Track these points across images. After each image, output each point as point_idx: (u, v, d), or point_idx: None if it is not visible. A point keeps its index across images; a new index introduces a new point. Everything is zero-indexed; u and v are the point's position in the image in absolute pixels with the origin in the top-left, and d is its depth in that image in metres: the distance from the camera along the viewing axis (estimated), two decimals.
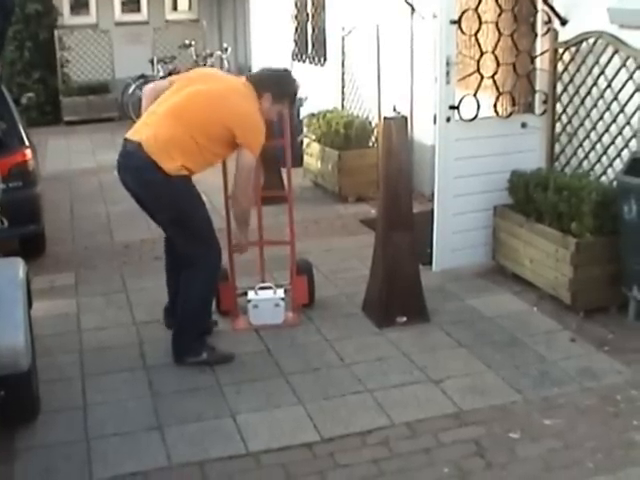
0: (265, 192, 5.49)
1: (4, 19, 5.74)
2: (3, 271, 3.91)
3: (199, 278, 4.45)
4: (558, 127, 5.83)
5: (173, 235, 4.52)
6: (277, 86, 4.54)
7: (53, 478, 3.52)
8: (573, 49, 5.62)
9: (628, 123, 5.21)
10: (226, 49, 13.04)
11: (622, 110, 5.25)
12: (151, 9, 14.89)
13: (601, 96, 5.44)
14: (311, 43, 10.61)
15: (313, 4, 10.47)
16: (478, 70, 5.65)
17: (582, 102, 5.61)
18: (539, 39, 5.90)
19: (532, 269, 5.34)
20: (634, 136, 5.17)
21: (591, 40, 5.44)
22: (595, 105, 5.50)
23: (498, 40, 5.71)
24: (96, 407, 4.09)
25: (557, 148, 5.85)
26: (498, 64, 5.75)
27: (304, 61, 10.65)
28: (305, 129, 8.83)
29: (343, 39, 8.94)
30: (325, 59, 10.01)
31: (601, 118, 5.46)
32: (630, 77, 5.16)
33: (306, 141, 8.74)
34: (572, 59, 5.65)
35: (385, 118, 4.99)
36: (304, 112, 9.24)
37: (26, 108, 9.64)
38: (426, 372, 4.35)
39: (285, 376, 4.35)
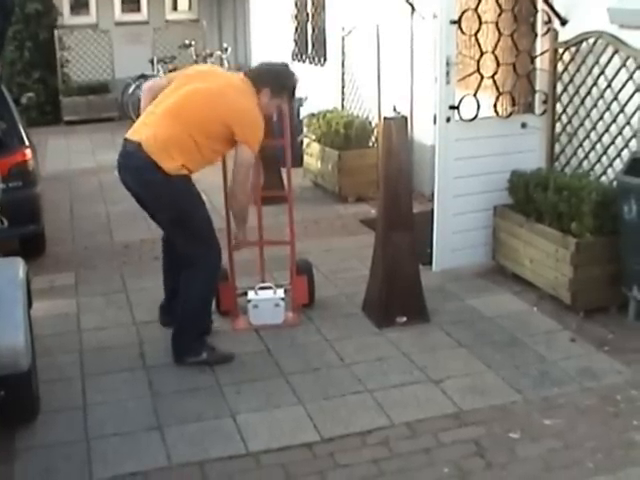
0: (265, 192, 5.49)
1: (4, 19, 5.74)
2: (3, 271, 3.91)
3: (199, 278, 4.45)
4: (558, 127, 5.83)
5: (173, 235, 4.53)
6: (275, 80, 4.53)
7: (53, 478, 3.52)
8: (573, 49, 5.62)
9: (628, 123, 5.21)
10: (226, 49, 13.04)
11: (622, 110, 5.25)
12: (151, 9, 14.89)
13: (601, 96, 5.44)
14: (311, 43, 10.61)
15: (313, 4, 10.47)
16: (478, 70, 5.65)
17: (582, 102, 5.61)
18: (539, 39, 5.90)
19: (532, 269, 5.34)
20: (634, 136, 5.17)
21: (591, 40, 5.44)
22: (595, 105, 5.50)
23: (498, 40, 5.71)
24: (96, 407, 4.09)
25: (557, 148, 5.85)
26: (498, 64, 5.75)
27: (304, 61, 10.64)
28: (305, 129, 8.83)
29: (343, 39, 8.94)
30: (325, 59, 10.01)
31: (601, 118, 5.46)
32: (630, 77, 5.17)
33: (306, 141, 8.74)
34: (572, 59, 5.65)
35: (385, 118, 4.99)
36: (304, 112, 9.25)
37: (26, 108, 9.64)
38: (426, 372, 4.35)
39: (285, 376, 4.35)
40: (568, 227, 5.01)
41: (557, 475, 3.44)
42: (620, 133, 5.29)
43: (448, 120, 5.44)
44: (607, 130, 5.42)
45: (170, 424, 3.90)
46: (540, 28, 5.87)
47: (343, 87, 9.10)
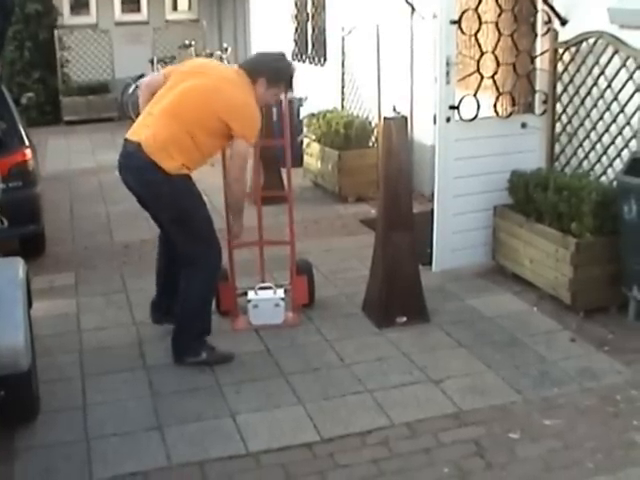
0: (265, 192, 5.49)
1: (4, 19, 5.74)
2: (3, 271, 3.91)
3: (199, 277, 4.46)
4: (558, 127, 5.83)
5: (174, 234, 4.53)
6: (271, 70, 4.51)
7: (53, 478, 3.52)
8: (573, 49, 5.62)
9: (628, 123, 5.21)
10: (226, 49, 13.02)
11: (622, 110, 5.25)
12: (151, 9, 14.89)
13: (601, 96, 5.44)
14: (311, 43, 10.61)
15: (313, 4, 10.47)
16: (478, 70, 5.65)
17: (582, 102, 5.61)
18: (539, 39, 5.90)
19: (532, 269, 5.34)
20: (634, 136, 5.17)
21: (591, 40, 5.44)
22: (595, 105, 5.50)
23: (498, 40, 5.71)
24: (96, 407, 4.09)
25: (557, 148, 5.85)
26: (498, 64, 5.75)
27: (304, 61, 10.64)
28: (305, 129, 8.83)
29: (343, 39, 8.94)
30: (325, 59, 10.01)
31: (601, 118, 5.46)
32: (630, 77, 5.16)
33: (306, 141, 8.74)
34: (572, 59, 5.65)
35: (385, 118, 4.99)
36: (304, 112, 9.25)
37: (26, 108, 9.63)
38: (426, 372, 4.35)
39: (285, 376, 4.35)
40: (568, 227, 5.01)
41: (557, 475, 3.44)
42: (620, 133, 5.29)
43: (448, 120, 5.44)
44: (607, 130, 5.42)
45: (170, 424, 3.90)
46: (540, 28, 5.87)
47: (343, 87, 9.10)
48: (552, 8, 5.69)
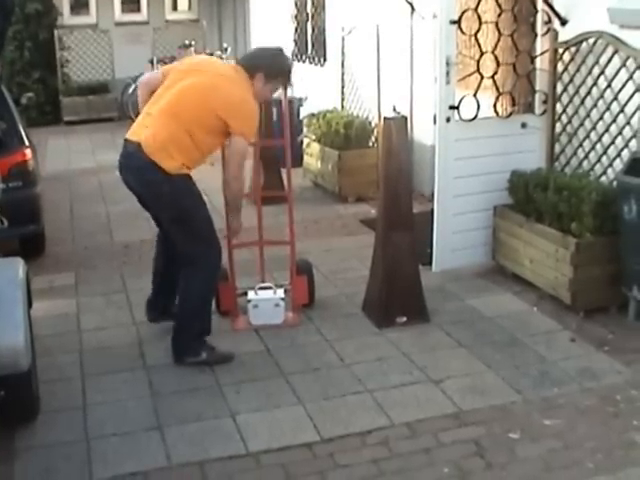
0: (265, 192, 5.49)
1: (4, 19, 5.74)
2: (3, 271, 3.91)
3: (199, 277, 4.46)
4: (558, 127, 5.83)
5: (174, 234, 4.52)
6: (268, 64, 4.50)
7: (53, 478, 3.52)
8: (573, 49, 5.62)
9: (628, 123, 5.21)
10: (226, 49, 13.02)
11: (622, 110, 5.25)
12: (151, 9, 14.90)
13: (601, 96, 5.44)
14: (311, 43, 10.61)
15: (313, 4, 10.47)
16: (478, 70, 5.65)
17: (582, 102, 5.61)
18: (539, 39, 5.90)
19: (532, 269, 5.34)
20: (634, 136, 5.17)
21: (591, 40, 5.44)
22: (595, 105, 5.50)
23: (498, 40, 5.70)
24: (96, 407, 4.09)
25: (557, 148, 5.85)
26: (498, 64, 5.75)
27: (304, 61, 10.64)
28: (305, 129, 8.83)
29: (343, 39, 8.94)
30: (325, 59, 10.01)
31: (601, 118, 5.46)
32: (630, 77, 5.16)
33: (306, 141, 8.74)
34: (572, 59, 5.65)
35: (385, 118, 4.99)
36: (304, 112, 9.25)
37: (26, 108, 9.64)
38: (426, 372, 4.35)
39: (285, 376, 4.35)
40: (568, 227, 5.01)
41: (557, 475, 3.44)
42: (620, 133, 5.29)
43: (448, 120, 5.44)
44: (607, 130, 5.42)
45: (170, 424, 3.90)
46: (540, 28, 5.87)
47: (343, 87, 9.10)
48: (552, 8, 5.69)
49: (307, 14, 10.65)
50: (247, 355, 4.61)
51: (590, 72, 5.51)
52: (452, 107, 5.43)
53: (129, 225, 7.11)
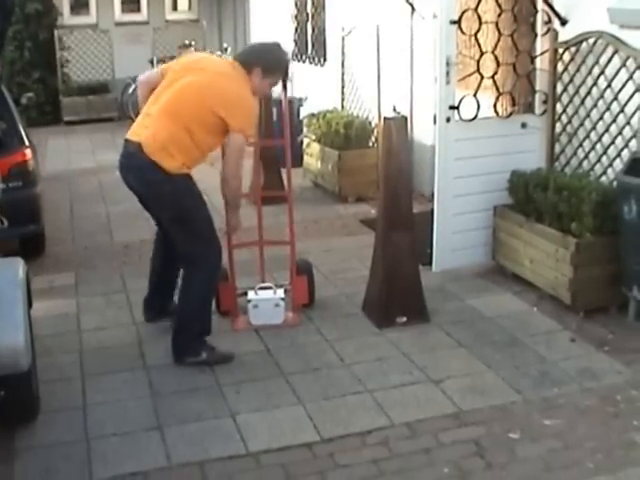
0: (265, 192, 5.49)
1: (4, 19, 5.74)
2: (3, 271, 3.91)
3: (199, 277, 4.46)
4: (558, 127, 5.83)
5: (174, 233, 4.53)
6: (265, 59, 4.51)
7: (53, 478, 3.52)
8: (573, 49, 5.62)
9: (628, 123, 5.21)
10: (226, 49, 13.03)
11: (622, 110, 5.25)
12: (151, 9, 14.90)
13: (601, 96, 5.44)
14: (311, 43, 10.61)
15: (313, 4, 10.47)
16: (478, 70, 5.65)
17: (582, 102, 5.61)
18: (539, 39, 5.90)
19: (532, 269, 5.34)
20: (634, 136, 5.17)
21: (591, 40, 5.44)
22: (595, 105, 5.50)
23: (498, 40, 5.70)
24: (96, 407, 4.09)
25: (557, 148, 5.85)
26: (498, 64, 5.75)
27: (304, 61, 10.65)
28: (305, 129, 8.83)
29: (343, 39, 8.94)
30: (325, 59, 10.01)
31: (601, 118, 5.46)
32: (630, 77, 5.16)
33: (306, 141, 8.74)
34: (572, 59, 5.65)
35: (385, 118, 4.98)
36: (304, 112, 9.25)
37: (26, 108, 9.65)
38: (426, 372, 4.35)
39: (285, 376, 4.35)
40: (568, 227, 5.01)
41: (557, 475, 3.44)
42: (620, 133, 5.29)
43: (448, 120, 5.44)
44: (607, 130, 5.42)
45: (170, 424, 3.90)
46: (540, 28, 5.86)
47: (343, 87, 9.10)
48: (552, 8, 5.69)
49: (307, 14, 10.65)
50: (247, 355, 4.61)
51: (590, 72, 5.51)
52: (452, 107, 5.43)
53: (129, 225, 7.11)
